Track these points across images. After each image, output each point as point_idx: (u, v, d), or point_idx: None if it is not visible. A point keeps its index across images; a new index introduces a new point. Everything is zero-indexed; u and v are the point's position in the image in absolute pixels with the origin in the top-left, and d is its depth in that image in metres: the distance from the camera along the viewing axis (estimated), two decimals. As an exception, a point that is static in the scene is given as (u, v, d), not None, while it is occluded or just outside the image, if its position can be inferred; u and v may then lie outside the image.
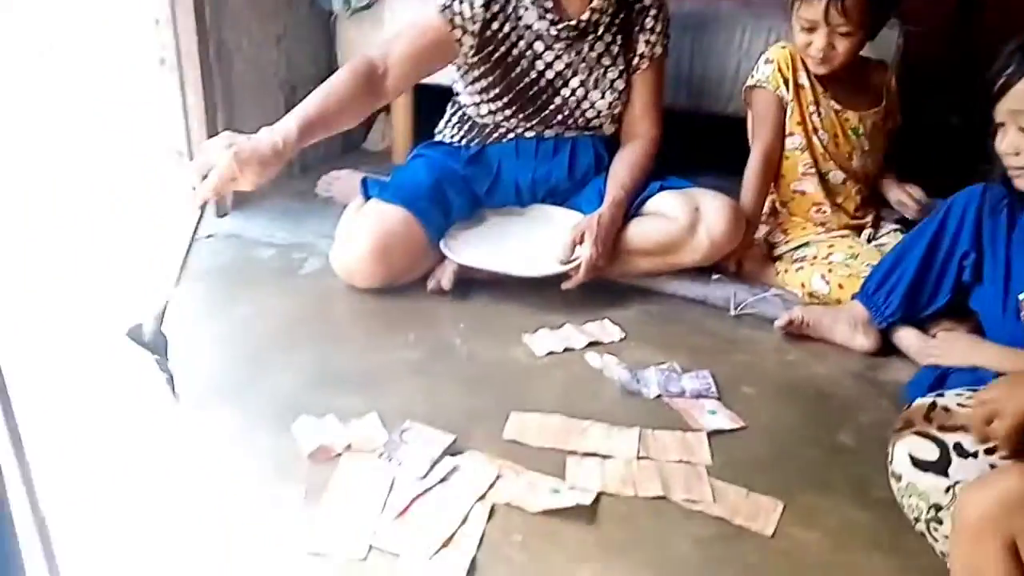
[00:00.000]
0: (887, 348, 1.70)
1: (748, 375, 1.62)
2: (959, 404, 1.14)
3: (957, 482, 1.08)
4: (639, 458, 1.35)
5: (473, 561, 1.13)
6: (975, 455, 1.07)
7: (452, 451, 1.34)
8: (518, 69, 1.88)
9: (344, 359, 1.62)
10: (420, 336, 1.71)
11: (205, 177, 1.49)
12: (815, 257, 1.91)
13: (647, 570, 1.14)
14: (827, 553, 1.18)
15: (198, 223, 1.48)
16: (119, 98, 2.21)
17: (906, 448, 1.13)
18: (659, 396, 1.52)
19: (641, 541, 1.19)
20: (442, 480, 1.27)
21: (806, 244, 1.95)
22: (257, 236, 2.14)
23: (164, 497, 1.23)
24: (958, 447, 1.07)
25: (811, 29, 1.80)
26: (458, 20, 1.81)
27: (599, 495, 1.25)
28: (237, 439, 1.37)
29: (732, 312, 1.85)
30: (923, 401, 1.20)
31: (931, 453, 1.09)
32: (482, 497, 1.24)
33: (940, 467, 1.08)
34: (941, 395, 1.20)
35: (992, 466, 1.06)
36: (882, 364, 1.68)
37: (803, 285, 1.88)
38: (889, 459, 1.16)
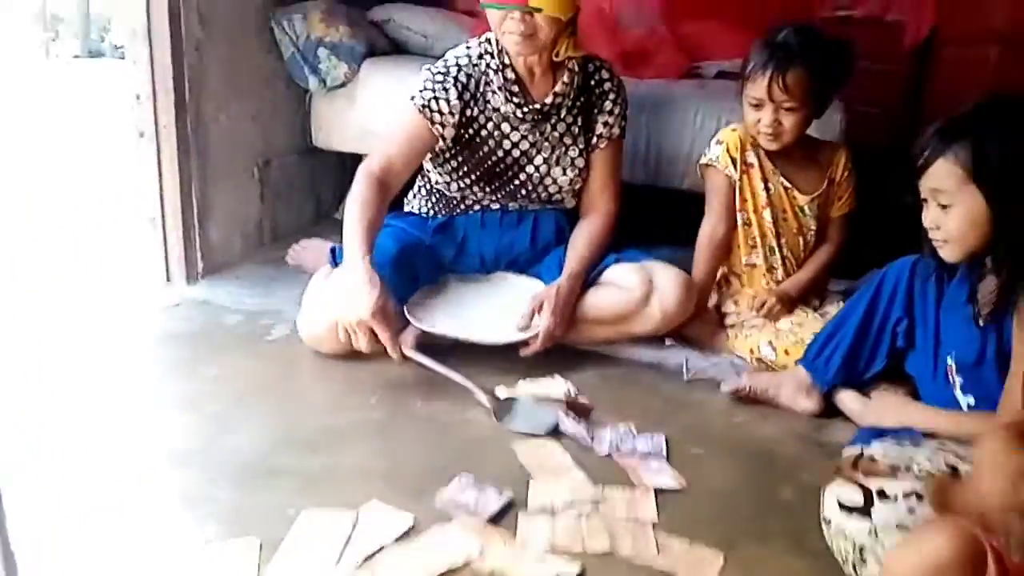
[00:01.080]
0: (830, 410, 1.78)
1: (697, 436, 1.68)
2: (884, 454, 1.21)
3: (878, 525, 1.14)
4: (587, 516, 1.40)
5: (423, 612, 1.17)
6: (895, 499, 1.13)
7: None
8: (486, 148, 2.00)
9: (307, 420, 1.67)
10: (383, 399, 1.76)
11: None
12: (764, 325, 2.00)
13: (592, 621, 1.18)
14: (764, 603, 1.23)
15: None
16: (101, 168, 2.30)
17: (834, 494, 1.20)
18: (609, 455, 1.58)
19: (587, 594, 1.23)
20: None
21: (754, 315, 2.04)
22: (225, 303, 2.20)
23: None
24: (881, 492, 1.14)
25: (758, 106, 1.92)
26: (437, 117, 1.94)
27: (583, 570, 1.27)
28: (196, 496, 1.40)
29: (685, 377, 1.93)
30: (852, 451, 1.28)
31: (856, 498, 1.15)
32: (464, 566, 1.26)
33: (864, 511, 1.14)
34: (868, 445, 1.27)
35: (911, 510, 1.12)
36: (825, 425, 1.76)
37: (752, 351, 1.97)
38: (821, 504, 1.22)
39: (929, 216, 1.45)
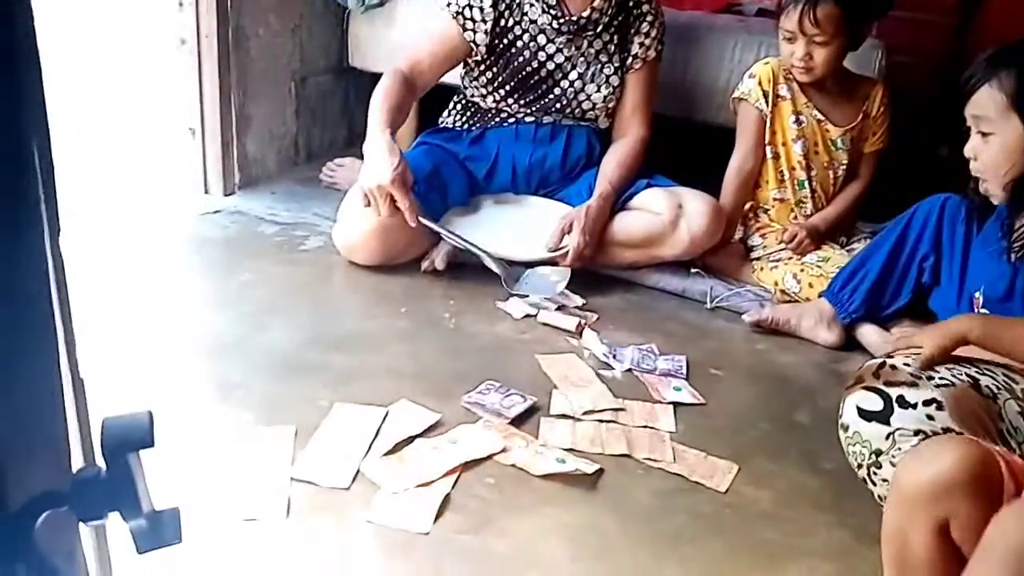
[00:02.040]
0: (850, 344, 1.81)
1: (717, 360, 1.72)
2: (905, 363, 1.23)
3: (897, 429, 1.16)
4: (608, 422, 1.45)
5: (447, 497, 1.23)
6: (914, 406, 1.16)
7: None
8: (521, 59, 2.01)
9: (338, 324, 1.72)
10: (411, 309, 1.81)
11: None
12: (789, 258, 2.02)
13: (606, 512, 1.24)
14: (773, 508, 1.28)
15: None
16: (137, 75, 2.33)
17: (854, 401, 1.22)
18: (629, 370, 1.62)
19: (603, 489, 1.29)
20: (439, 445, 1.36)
21: (782, 247, 2.06)
22: (261, 214, 2.25)
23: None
24: (900, 399, 1.16)
25: (791, 39, 1.92)
26: (470, 24, 1.97)
27: (600, 470, 1.32)
28: (234, 385, 1.46)
29: (708, 305, 1.96)
30: (874, 361, 1.30)
31: (876, 404, 1.18)
32: (485, 459, 1.32)
33: (883, 416, 1.17)
34: (891, 356, 1.29)
35: (929, 417, 1.15)
36: (844, 357, 1.78)
37: (776, 283, 1.99)
38: (840, 412, 1.25)
39: (970, 144, 1.45)
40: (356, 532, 1.16)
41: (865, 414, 1.18)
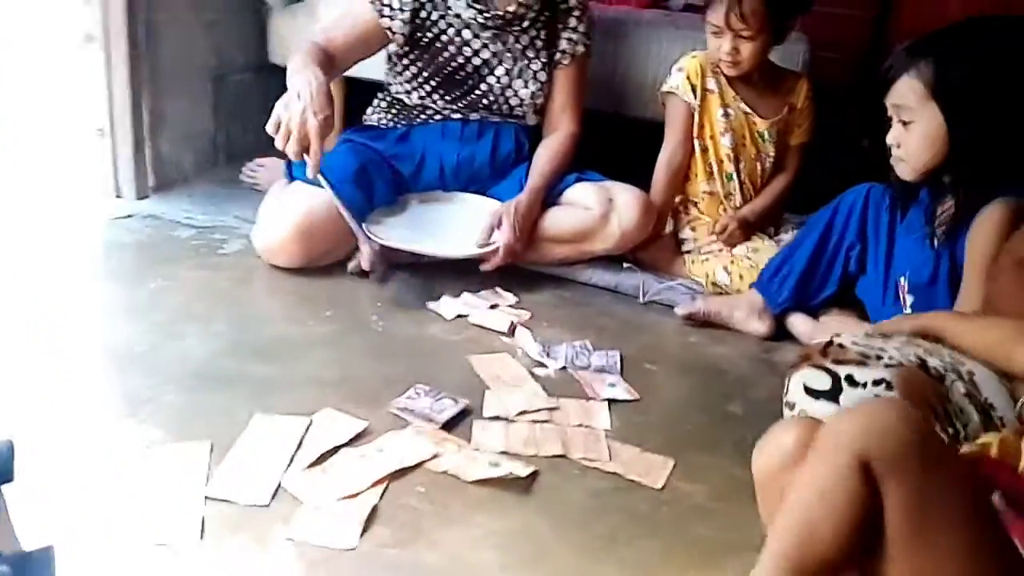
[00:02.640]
0: (781, 333, 1.81)
1: (651, 354, 1.70)
2: (852, 342, 1.21)
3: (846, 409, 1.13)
4: (542, 422, 1.41)
5: (375, 509, 1.17)
6: (864, 385, 1.13)
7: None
8: (446, 54, 1.96)
9: (258, 331, 1.64)
10: (337, 313, 1.74)
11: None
12: (720, 250, 2.02)
13: (541, 516, 1.20)
14: (709, 503, 1.26)
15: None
16: (42, 74, 2.19)
17: (801, 379, 1.18)
18: (564, 368, 1.59)
19: (538, 491, 1.25)
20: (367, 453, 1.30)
21: (713, 240, 2.05)
22: (177, 217, 2.13)
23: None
24: (849, 378, 1.13)
25: (717, 34, 1.92)
26: (387, 11, 1.90)
27: (535, 472, 1.28)
28: (144, 400, 1.37)
29: (641, 299, 1.94)
30: (821, 340, 1.27)
31: (824, 383, 1.14)
32: (415, 467, 1.26)
33: (831, 395, 1.14)
34: (838, 335, 1.26)
35: (878, 396, 1.11)
36: (776, 348, 1.79)
37: (708, 276, 1.99)
38: (785, 391, 1.22)
39: (892, 133, 1.47)
40: (276, 552, 1.09)
41: (813, 392, 1.15)
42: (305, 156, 1.66)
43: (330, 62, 1.83)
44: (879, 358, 1.14)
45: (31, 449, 1.21)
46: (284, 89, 2.72)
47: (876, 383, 1.10)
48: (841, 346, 1.18)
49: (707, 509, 1.25)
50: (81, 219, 2.08)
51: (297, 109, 1.64)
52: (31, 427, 1.28)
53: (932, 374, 1.11)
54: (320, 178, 1.72)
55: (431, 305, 1.78)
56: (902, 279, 1.62)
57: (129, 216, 2.12)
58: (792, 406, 1.21)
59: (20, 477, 1.15)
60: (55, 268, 1.82)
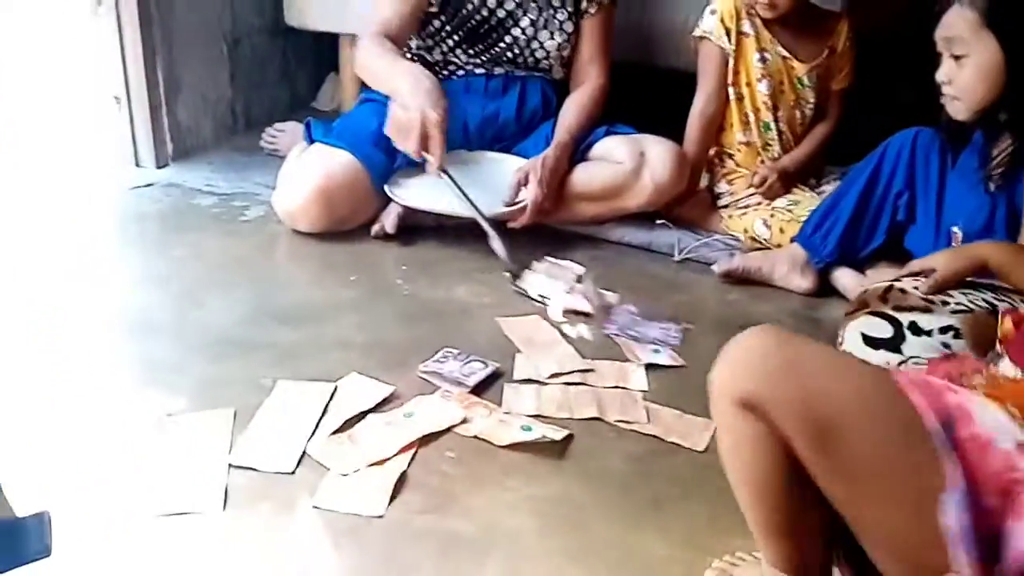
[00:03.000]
0: (825, 289, 1.73)
1: (688, 313, 1.63)
2: (914, 287, 1.13)
3: (910, 358, 1.06)
4: (576, 384, 1.35)
5: (403, 475, 1.12)
6: (929, 333, 1.05)
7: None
8: (470, 6, 1.88)
9: (282, 297, 1.60)
10: (362, 277, 1.69)
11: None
12: (758, 204, 1.93)
13: (577, 481, 1.14)
14: (756, 465, 1.19)
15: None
16: (52, 42, 2.15)
17: (859, 327, 1.10)
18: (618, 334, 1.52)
19: (573, 456, 1.19)
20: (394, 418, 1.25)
21: (751, 193, 1.96)
22: (198, 185, 2.10)
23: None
24: (913, 325, 1.05)
25: (755, -28, 1.81)
26: None
27: (570, 436, 1.22)
28: (167, 367, 1.33)
29: (676, 257, 1.86)
30: (879, 285, 1.19)
31: (885, 331, 1.07)
32: (444, 432, 1.21)
33: (893, 344, 1.06)
34: (898, 280, 1.19)
35: (946, 345, 1.04)
36: (820, 304, 1.71)
37: (746, 230, 1.90)
38: (840, 340, 1.13)
39: (942, 69, 1.36)
40: (302, 520, 1.04)
41: (872, 341, 1.06)
42: (424, 154, 1.65)
43: (397, 48, 1.81)
44: (945, 304, 1.05)
45: (54, 418, 1.19)
46: (300, 51, 2.70)
47: (943, 330, 1.02)
48: (903, 291, 1.09)
49: (753, 471, 1.19)
50: (101, 188, 2.05)
51: (416, 110, 1.62)
52: (53, 397, 1.25)
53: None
54: (442, 175, 1.70)
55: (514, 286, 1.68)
56: (955, 228, 1.52)
57: (149, 185, 2.08)
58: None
59: (39, 445, 1.12)
60: (76, 240, 1.79)
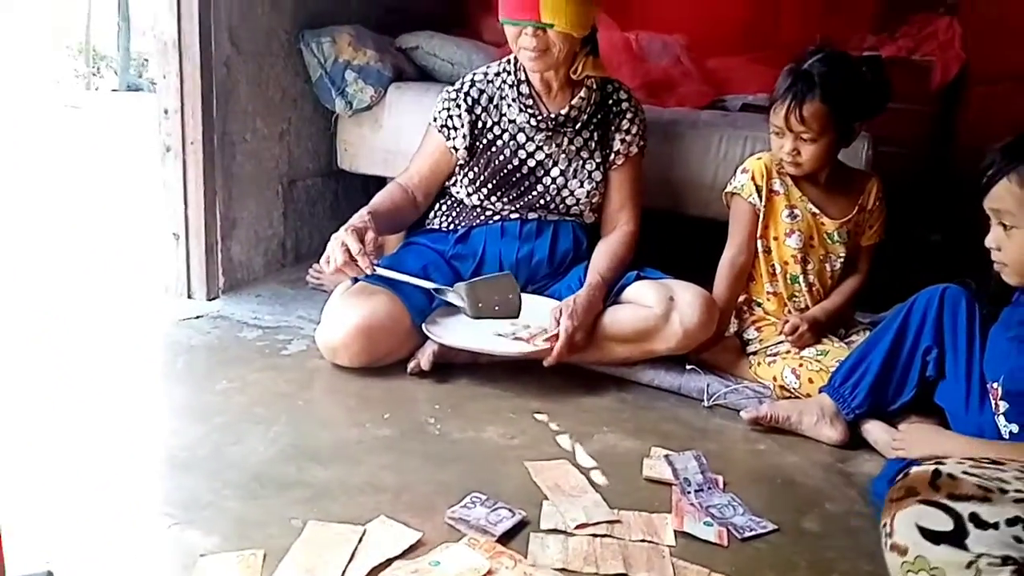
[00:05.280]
0: (856, 441, 1.72)
1: (717, 463, 1.62)
2: (964, 472, 1.07)
3: (980, 555, 1.00)
4: (602, 536, 1.35)
5: (427, 628, 1.12)
6: (996, 526, 0.99)
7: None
8: (502, 157, 2.02)
9: (317, 433, 1.64)
10: (395, 415, 1.73)
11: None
12: (787, 352, 1.95)
13: (602, 642, 1.12)
14: (785, 632, 1.17)
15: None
16: (127, 184, 2.32)
17: (912, 518, 1.04)
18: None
19: (598, 614, 1.18)
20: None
21: (779, 341, 1.99)
22: (244, 318, 2.20)
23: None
24: (975, 517, 1.00)
25: (779, 134, 1.91)
26: (453, 133, 2.03)
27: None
28: (203, 504, 1.37)
29: (706, 403, 1.88)
30: (924, 469, 1.13)
31: (944, 523, 1.01)
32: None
33: (956, 539, 1.00)
34: (941, 463, 1.13)
35: (1017, 539, 0.98)
36: (851, 456, 1.69)
37: (775, 379, 1.92)
38: (887, 530, 1.07)
39: (991, 236, 1.41)
40: (324, 673, 1.04)
41: (932, 535, 1.00)
42: (344, 269, 1.80)
43: (410, 202, 2.06)
44: (1004, 492, 1.01)
45: (87, 552, 1.22)
46: (350, 191, 2.86)
47: (1011, 522, 0.96)
48: (952, 476, 1.05)
49: (782, 638, 1.16)
50: (153, 319, 2.15)
51: (334, 237, 1.82)
52: (89, 528, 1.28)
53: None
54: (379, 268, 1.84)
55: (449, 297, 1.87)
56: (995, 384, 1.50)
57: (198, 317, 2.18)
58: (904, 551, 1.05)
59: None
60: (125, 370, 1.87)
